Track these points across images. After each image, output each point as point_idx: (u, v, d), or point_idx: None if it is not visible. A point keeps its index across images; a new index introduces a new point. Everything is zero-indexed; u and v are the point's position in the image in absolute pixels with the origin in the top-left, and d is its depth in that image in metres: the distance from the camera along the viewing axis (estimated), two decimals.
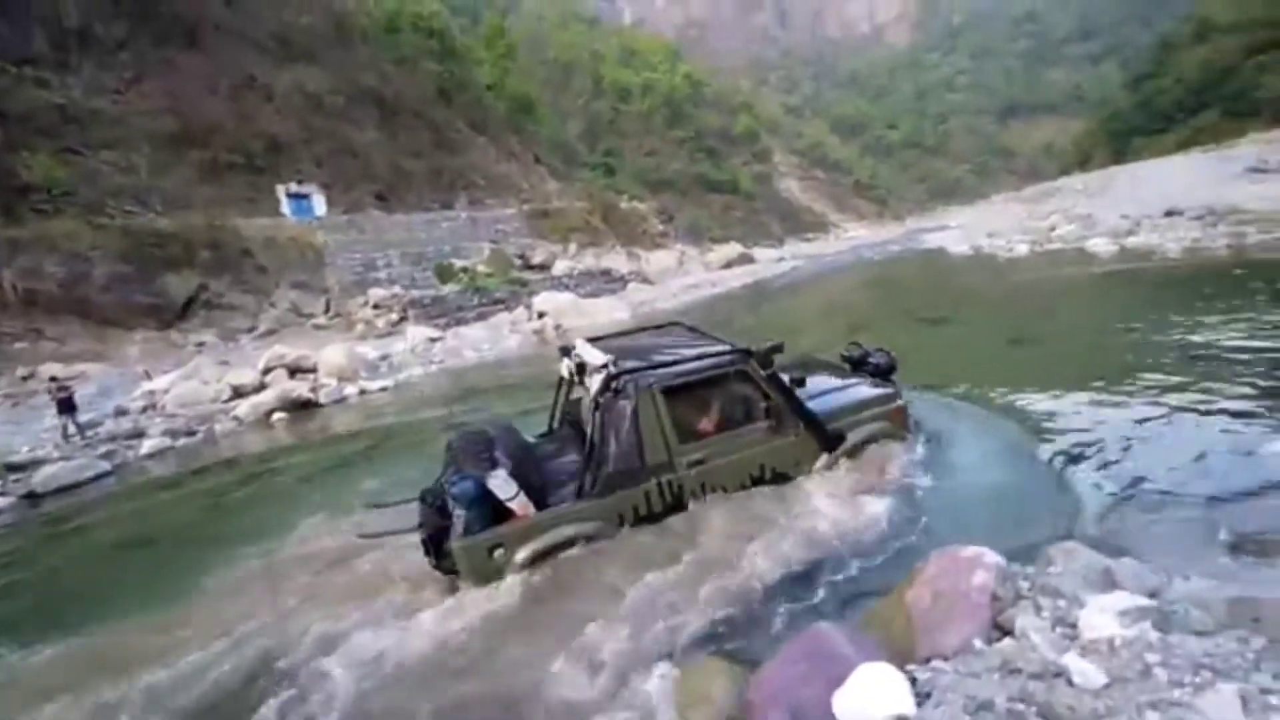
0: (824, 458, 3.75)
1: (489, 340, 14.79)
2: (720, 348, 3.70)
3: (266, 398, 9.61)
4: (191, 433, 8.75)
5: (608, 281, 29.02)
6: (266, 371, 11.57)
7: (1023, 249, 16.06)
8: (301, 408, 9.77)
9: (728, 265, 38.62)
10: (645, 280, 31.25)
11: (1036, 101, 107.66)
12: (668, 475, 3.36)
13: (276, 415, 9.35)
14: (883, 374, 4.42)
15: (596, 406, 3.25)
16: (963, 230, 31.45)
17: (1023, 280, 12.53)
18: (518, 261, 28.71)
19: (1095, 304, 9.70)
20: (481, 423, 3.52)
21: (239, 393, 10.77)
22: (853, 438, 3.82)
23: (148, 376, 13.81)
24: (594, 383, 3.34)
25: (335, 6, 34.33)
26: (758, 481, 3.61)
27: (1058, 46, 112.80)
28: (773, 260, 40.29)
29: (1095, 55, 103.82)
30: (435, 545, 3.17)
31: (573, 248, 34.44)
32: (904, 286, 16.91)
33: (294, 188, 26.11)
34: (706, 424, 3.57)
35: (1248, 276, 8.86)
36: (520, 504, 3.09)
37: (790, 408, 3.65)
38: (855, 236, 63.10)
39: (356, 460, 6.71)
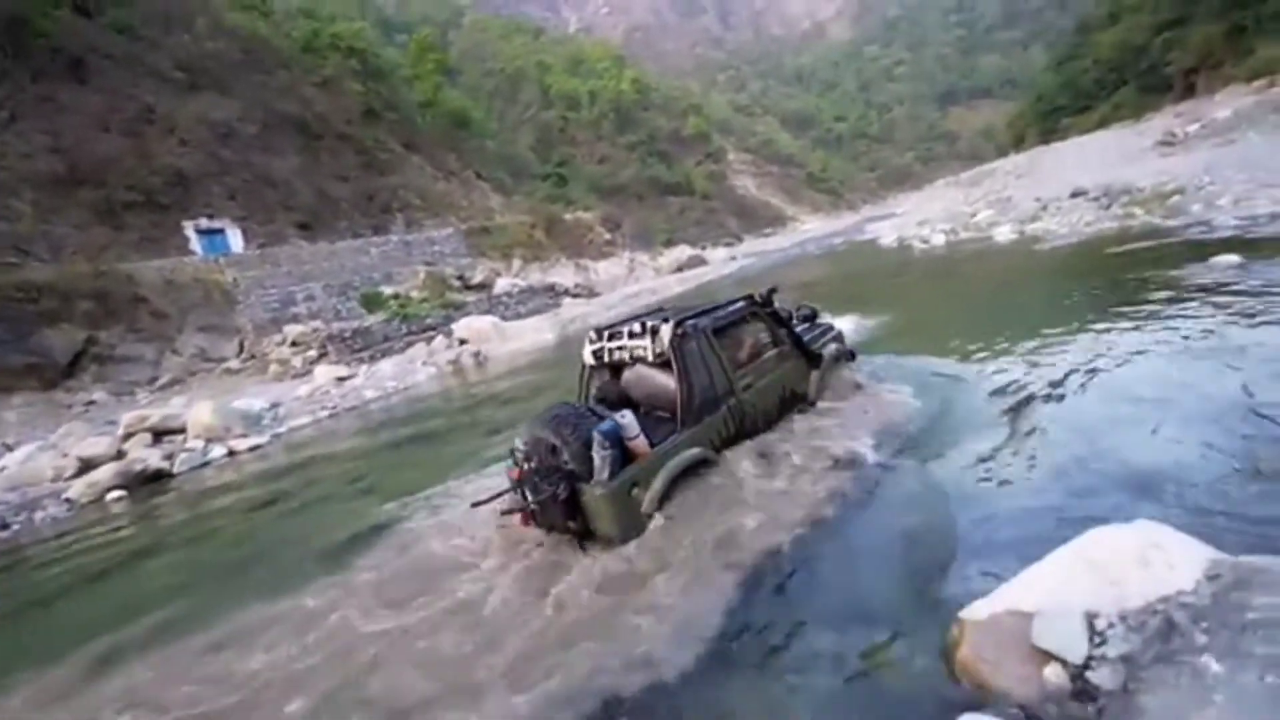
0: (814, 374, 4.73)
1: (396, 376, 13.82)
2: (730, 299, 4.55)
3: (105, 473, 8.50)
4: (4, 526, 7.62)
5: (551, 297, 28.17)
6: (128, 437, 10.40)
7: (939, 239, 16.03)
8: (150, 480, 8.70)
9: (679, 269, 38.16)
10: (591, 293, 30.48)
11: (973, 87, 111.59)
12: (732, 400, 4.01)
13: (114, 494, 8.26)
14: (810, 319, 5.60)
15: (673, 352, 3.76)
16: (900, 219, 31.76)
17: (918, 274, 13.39)
18: (456, 283, 27.60)
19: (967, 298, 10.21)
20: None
21: (90, 465, 9.57)
22: (827, 355, 4.92)
23: (7, 449, 12.39)
24: (664, 334, 3.82)
25: (244, 31, 32.70)
26: (784, 400, 4.46)
27: (987, 34, 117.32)
28: (723, 260, 40.12)
29: (1022, 41, 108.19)
30: (566, 505, 3.17)
31: (516, 264, 33.51)
32: (823, 281, 17.09)
33: (204, 224, 24.59)
34: (743, 356, 4.29)
35: (1106, 265, 9.05)
36: (642, 442, 3.38)
37: (789, 337, 4.65)
38: (809, 229, 63.74)
39: (148, 558, 5.80)
